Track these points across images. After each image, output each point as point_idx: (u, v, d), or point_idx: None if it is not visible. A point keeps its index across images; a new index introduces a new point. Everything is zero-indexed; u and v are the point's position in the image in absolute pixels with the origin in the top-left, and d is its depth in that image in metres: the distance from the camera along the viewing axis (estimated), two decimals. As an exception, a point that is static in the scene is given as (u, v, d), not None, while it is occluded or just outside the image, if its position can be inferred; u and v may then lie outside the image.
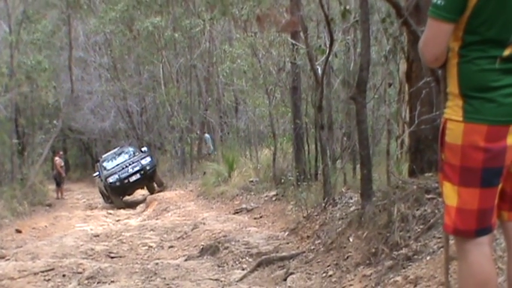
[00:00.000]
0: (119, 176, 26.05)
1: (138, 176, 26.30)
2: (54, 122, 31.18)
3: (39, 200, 26.00)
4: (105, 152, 32.17)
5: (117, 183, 25.88)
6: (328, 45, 10.83)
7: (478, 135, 2.85)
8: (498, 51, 2.81)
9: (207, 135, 29.62)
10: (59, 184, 30.60)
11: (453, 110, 2.94)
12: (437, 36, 2.90)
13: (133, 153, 28.25)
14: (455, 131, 2.92)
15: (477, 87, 2.86)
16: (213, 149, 28.27)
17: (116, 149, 30.51)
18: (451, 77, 2.97)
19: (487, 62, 2.82)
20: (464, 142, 2.89)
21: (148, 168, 26.50)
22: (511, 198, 3.07)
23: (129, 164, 26.67)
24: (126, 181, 26.09)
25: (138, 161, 26.79)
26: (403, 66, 9.56)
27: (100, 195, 28.36)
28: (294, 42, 14.13)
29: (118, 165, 27.00)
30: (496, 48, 2.81)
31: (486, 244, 3.03)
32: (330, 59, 11.36)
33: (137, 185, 26.99)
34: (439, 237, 6.08)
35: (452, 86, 2.96)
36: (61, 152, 34.10)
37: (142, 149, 28.70)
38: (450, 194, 3.03)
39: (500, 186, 2.99)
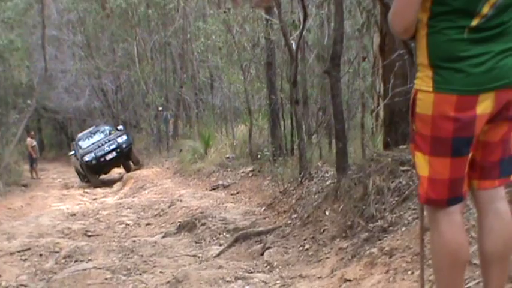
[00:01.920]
0: (95, 154, 25.91)
1: (114, 154, 26.19)
2: (28, 101, 30.85)
3: (15, 180, 25.83)
4: (81, 131, 31.91)
5: (93, 162, 25.76)
6: (302, 20, 10.81)
7: (448, 105, 2.86)
8: (466, 21, 2.81)
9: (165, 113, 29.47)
10: (32, 164, 30.42)
11: (423, 81, 2.95)
12: (405, 8, 2.90)
13: (109, 131, 28.07)
14: (426, 101, 2.93)
15: (446, 57, 2.86)
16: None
17: (91, 128, 30.27)
18: (421, 48, 2.97)
19: (455, 32, 2.83)
20: (435, 112, 2.89)
21: (124, 146, 26.40)
22: (481, 167, 3.09)
23: (105, 143, 26.52)
24: (102, 159, 25.97)
25: (114, 139, 26.66)
26: (376, 40, 9.56)
27: (76, 175, 28.22)
28: (268, 17, 14.09)
29: (94, 143, 26.84)
30: (464, 18, 2.81)
31: (458, 213, 3.05)
32: (304, 33, 11.35)
33: (113, 163, 26.89)
34: (414, 209, 6.13)
35: (422, 57, 2.97)
36: (32, 133, 33.76)
37: (118, 128, 28.57)
38: (422, 164, 3.05)
39: (470, 155, 3.01)
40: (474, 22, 2.81)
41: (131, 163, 27.26)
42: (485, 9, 2.81)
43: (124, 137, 26.92)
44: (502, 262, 3.14)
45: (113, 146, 26.28)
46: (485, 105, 2.88)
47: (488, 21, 2.82)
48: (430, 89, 2.90)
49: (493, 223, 3.11)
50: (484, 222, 3.15)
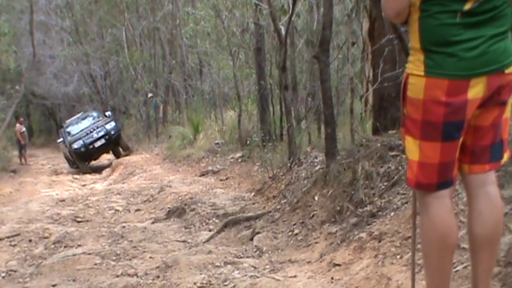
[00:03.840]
0: (83, 141, 25.84)
1: (103, 141, 26.14)
2: (17, 87, 30.76)
3: (3, 166, 25.78)
4: (70, 117, 31.77)
5: (82, 149, 25.70)
6: (291, 5, 10.79)
7: (439, 89, 2.86)
8: (459, 5, 2.80)
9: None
10: (20, 150, 30.33)
11: (415, 65, 2.94)
12: None
13: (98, 118, 27.97)
14: (417, 85, 2.92)
15: (438, 41, 2.86)
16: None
17: (79, 114, 30.16)
18: (413, 32, 2.96)
19: (447, 16, 2.82)
20: (426, 96, 2.89)
21: (113, 133, 26.33)
22: (471, 151, 3.10)
23: (94, 130, 26.44)
24: (91, 147, 25.93)
25: (102, 126, 26.57)
26: (366, 25, 9.56)
27: (65, 161, 28.14)
28: (257, 2, 14.03)
29: (82, 130, 26.75)
30: (457, 3, 2.80)
31: (447, 197, 3.06)
32: (293, 19, 11.33)
33: (102, 150, 26.85)
34: (403, 194, 6.16)
35: (414, 41, 2.96)
36: (22, 119, 33.68)
37: (107, 114, 28.45)
38: (412, 148, 3.05)
39: (461, 139, 3.02)
40: (467, 6, 2.80)
41: (120, 149, 27.20)
42: None
43: (112, 124, 26.84)
44: (491, 246, 3.15)
45: (102, 133, 26.21)
46: (476, 90, 2.88)
47: (481, 5, 2.81)
48: (422, 73, 2.90)
49: (483, 207, 3.12)
50: (474, 206, 3.16)
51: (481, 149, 3.10)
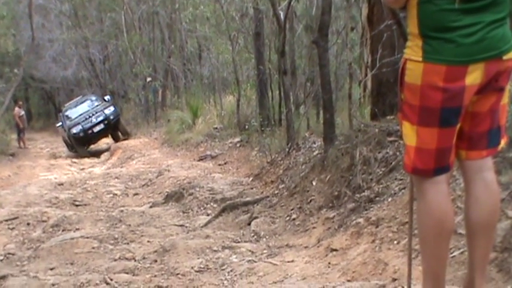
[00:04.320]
0: (82, 126, 25.74)
1: (102, 126, 26.06)
2: (15, 70, 30.73)
3: (2, 150, 25.71)
4: (68, 101, 31.63)
5: (81, 134, 25.62)
6: (290, -10, 10.77)
7: (437, 75, 2.85)
8: None
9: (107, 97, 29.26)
10: (19, 134, 30.31)
11: (413, 50, 2.93)
12: None
13: (97, 102, 27.84)
14: (415, 71, 2.91)
15: (436, 27, 2.84)
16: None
17: (78, 98, 30.01)
18: (411, 17, 2.95)
19: (446, 2, 2.80)
20: (424, 82, 2.88)
21: (112, 118, 26.23)
22: (469, 137, 3.10)
23: (93, 114, 26.32)
24: (89, 131, 25.85)
25: (101, 110, 26.45)
26: (365, 10, 9.54)
27: (64, 144, 28.09)
28: (256, -13, 14.01)
29: (81, 114, 26.63)
30: None
31: (444, 183, 3.06)
32: (292, 3, 11.31)
33: (101, 135, 26.78)
34: (401, 179, 6.17)
35: (412, 26, 2.95)
36: (20, 102, 33.63)
37: (105, 98, 28.36)
38: (409, 133, 3.05)
39: (458, 125, 3.02)
40: None
41: (119, 133, 27.14)
42: None
43: (111, 108, 26.70)
44: (488, 232, 3.16)
45: (101, 118, 26.11)
46: (474, 76, 2.87)
47: None
48: (420, 59, 2.89)
49: (480, 193, 3.12)
50: (471, 191, 3.16)
51: (478, 135, 3.10)
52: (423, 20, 2.89)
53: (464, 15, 2.81)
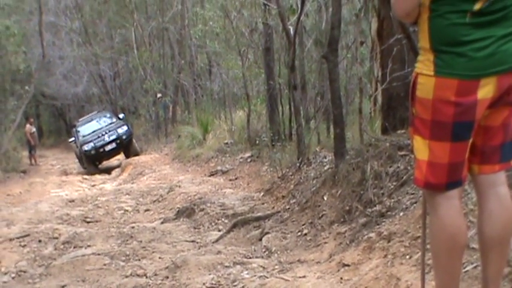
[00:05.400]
0: (94, 144, 25.71)
1: (113, 145, 26.02)
2: (26, 87, 30.75)
3: (13, 167, 25.80)
4: (79, 118, 31.68)
5: (92, 152, 25.62)
6: (299, 5, 10.78)
7: (449, 89, 2.85)
8: (469, 5, 2.79)
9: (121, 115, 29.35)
10: (30, 151, 30.40)
11: (424, 65, 2.94)
12: None
13: (110, 119, 27.79)
14: (427, 85, 2.91)
15: (448, 41, 2.84)
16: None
17: (92, 114, 30.00)
18: (422, 31, 2.95)
19: (457, 16, 2.81)
20: (435, 96, 2.88)
21: (124, 138, 26.18)
22: (481, 151, 3.09)
23: (106, 133, 26.24)
24: (101, 150, 25.84)
25: (114, 129, 26.37)
26: (374, 25, 9.53)
27: (77, 160, 28.04)
28: (265, 2, 14.02)
29: (94, 132, 26.60)
30: (467, 2, 2.79)
31: (456, 197, 3.05)
32: (301, 18, 11.33)
33: (113, 153, 26.79)
34: (412, 194, 6.14)
35: (424, 41, 2.95)
36: (31, 119, 33.74)
37: (120, 116, 28.34)
38: (421, 148, 3.04)
39: (471, 140, 3.01)
40: (477, 6, 2.79)
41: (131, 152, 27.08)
42: None
43: (125, 128, 26.63)
44: (501, 246, 3.14)
45: (113, 137, 26.07)
46: (486, 90, 2.87)
47: (491, 5, 2.80)
48: (431, 73, 2.89)
49: (493, 207, 3.11)
50: (484, 206, 3.15)
51: (491, 149, 3.09)
52: (434, 34, 2.89)
53: (475, 29, 2.81)
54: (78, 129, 27.53)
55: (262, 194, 11.08)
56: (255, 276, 6.20)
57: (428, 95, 2.91)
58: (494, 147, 3.09)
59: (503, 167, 3.15)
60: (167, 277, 6.65)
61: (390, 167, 6.90)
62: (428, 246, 3.31)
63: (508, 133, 3.09)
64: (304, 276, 5.80)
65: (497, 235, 3.11)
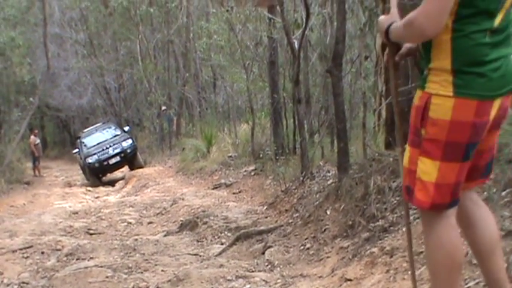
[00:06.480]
0: (98, 157, 25.60)
1: (118, 158, 25.91)
2: (31, 99, 30.90)
3: (17, 178, 25.85)
4: (84, 129, 31.62)
5: (96, 165, 25.53)
6: (304, 19, 10.82)
7: (469, 110, 2.83)
8: (489, 23, 2.79)
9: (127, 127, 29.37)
10: (34, 162, 30.44)
11: (441, 85, 2.88)
12: (442, 11, 2.77)
13: (115, 131, 27.74)
14: (443, 106, 2.87)
15: (471, 61, 2.82)
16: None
17: (97, 125, 29.92)
18: (442, 52, 2.88)
19: (480, 36, 2.80)
20: (454, 117, 2.85)
21: (129, 151, 26.07)
22: (472, 169, 3.10)
23: (110, 146, 26.10)
24: (105, 163, 25.71)
25: (119, 142, 26.24)
26: (379, 39, 9.55)
27: (81, 171, 27.99)
28: (270, 16, 14.07)
29: (99, 144, 26.47)
30: (488, 20, 2.79)
31: (453, 216, 3.07)
32: (306, 32, 11.36)
33: (117, 167, 26.70)
34: (415, 209, 6.10)
35: (443, 61, 2.88)
36: (36, 131, 33.87)
37: (125, 128, 28.27)
38: (429, 170, 3.00)
39: (471, 159, 3.05)
40: (496, 23, 2.80)
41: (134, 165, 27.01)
42: (501, 12, 2.82)
43: (129, 141, 26.48)
44: (495, 246, 3.22)
45: (118, 150, 25.96)
46: (495, 110, 2.90)
47: (503, 21, 2.83)
48: (450, 94, 2.85)
49: (480, 214, 3.22)
50: (475, 216, 3.22)
51: (479, 168, 3.17)
52: (458, 54, 2.85)
53: (492, 49, 2.83)
54: (83, 140, 27.45)
55: (265, 207, 11.07)
56: (257, 290, 6.20)
57: (446, 116, 2.87)
58: (482, 166, 3.18)
59: (483, 181, 3.31)
60: (169, 290, 6.65)
61: (393, 181, 6.90)
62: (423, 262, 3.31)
63: (493, 152, 3.19)
64: (306, 291, 5.80)
65: (487, 236, 3.20)
